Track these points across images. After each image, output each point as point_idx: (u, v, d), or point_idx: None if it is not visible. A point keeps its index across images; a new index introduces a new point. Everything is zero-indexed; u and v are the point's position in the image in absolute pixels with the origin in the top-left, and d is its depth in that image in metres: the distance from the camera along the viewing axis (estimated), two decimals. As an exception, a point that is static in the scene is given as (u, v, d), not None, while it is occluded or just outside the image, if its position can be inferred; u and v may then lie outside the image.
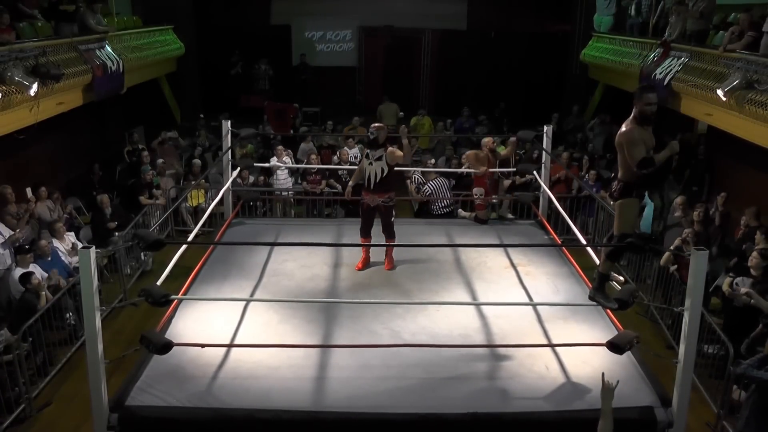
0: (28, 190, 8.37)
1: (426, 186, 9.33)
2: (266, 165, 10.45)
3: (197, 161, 11.05)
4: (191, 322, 5.54)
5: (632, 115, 4.63)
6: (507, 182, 8.24)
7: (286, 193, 10.63)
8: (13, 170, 8.92)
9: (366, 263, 6.70)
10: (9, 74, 6.85)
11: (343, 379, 4.79)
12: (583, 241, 6.89)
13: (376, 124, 6.62)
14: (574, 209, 9.75)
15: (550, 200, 7.97)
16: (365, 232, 6.70)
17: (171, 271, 5.19)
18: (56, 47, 8.29)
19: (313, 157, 10.74)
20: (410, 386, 4.72)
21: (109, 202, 9.06)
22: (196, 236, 7.14)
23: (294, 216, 10.44)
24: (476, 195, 8.13)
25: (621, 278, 5.27)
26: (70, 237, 8.06)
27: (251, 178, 10.38)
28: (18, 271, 6.84)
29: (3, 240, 7.25)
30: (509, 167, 8.70)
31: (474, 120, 13.48)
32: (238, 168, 8.43)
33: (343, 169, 10.21)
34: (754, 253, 6.66)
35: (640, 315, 7.76)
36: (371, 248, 6.70)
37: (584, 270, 6.50)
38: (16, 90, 7.00)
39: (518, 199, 8.59)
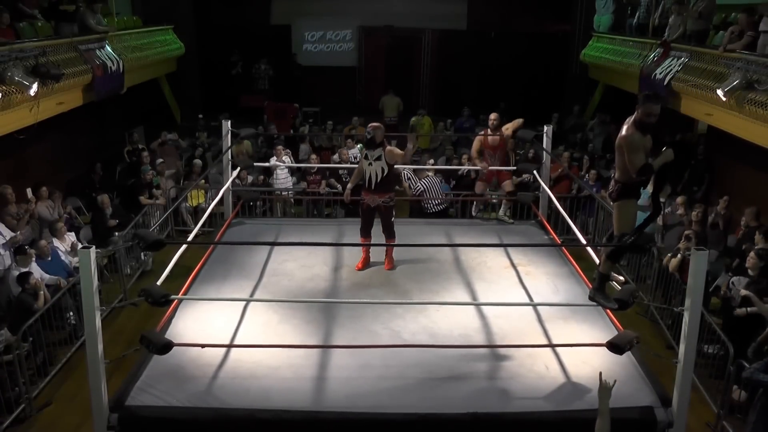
0: (29, 191, 8.36)
1: (418, 184, 9.35)
2: (266, 165, 10.46)
3: (197, 161, 11.05)
4: (191, 322, 5.54)
5: (633, 118, 4.54)
6: (506, 183, 8.19)
7: (286, 192, 10.63)
8: (13, 170, 8.92)
9: (366, 263, 6.70)
10: (9, 74, 6.85)
11: (343, 379, 4.78)
12: (584, 241, 6.90)
13: (374, 124, 6.56)
14: (574, 209, 9.76)
15: (550, 200, 7.97)
16: (365, 232, 6.70)
17: (171, 271, 5.18)
18: (56, 47, 8.29)
19: (313, 156, 10.74)
20: (410, 386, 4.72)
21: (109, 202, 9.06)
22: (196, 236, 7.14)
23: (294, 216, 10.45)
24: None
25: (621, 278, 5.27)
26: (70, 237, 8.06)
27: (250, 178, 10.38)
28: (17, 271, 6.83)
29: (4, 241, 7.25)
30: (509, 165, 8.70)
31: (474, 120, 13.48)
32: (238, 168, 8.43)
33: (343, 169, 10.21)
34: (752, 254, 6.67)
35: (640, 315, 7.76)
36: (371, 248, 6.70)
37: (584, 270, 6.50)
38: (16, 90, 7.00)
39: (518, 199, 8.59)
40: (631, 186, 4.64)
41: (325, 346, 5.20)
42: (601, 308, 5.65)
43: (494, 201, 9.55)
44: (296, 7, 15.70)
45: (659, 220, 8.85)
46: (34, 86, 7.13)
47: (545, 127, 8.08)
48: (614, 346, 4.47)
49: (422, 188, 9.51)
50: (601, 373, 3.63)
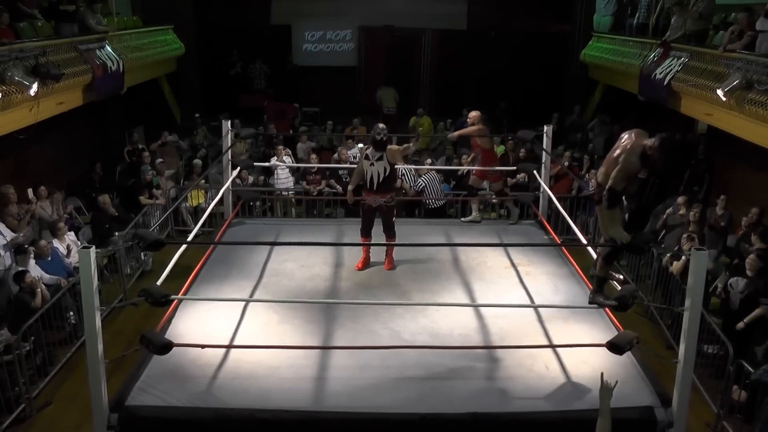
0: (30, 191, 8.36)
1: (419, 180, 9.38)
2: (266, 165, 10.46)
3: (197, 161, 11.05)
4: (191, 322, 5.54)
5: (644, 148, 4.48)
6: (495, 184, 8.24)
7: (286, 192, 10.63)
8: (13, 170, 8.92)
9: (366, 263, 6.69)
10: (9, 74, 6.85)
11: (343, 379, 4.78)
12: (584, 241, 6.89)
13: (383, 126, 6.52)
14: (574, 209, 9.76)
15: (550, 200, 7.97)
16: (366, 233, 6.70)
17: (171, 271, 5.18)
18: (56, 47, 8.30)
19: (313, 156, 10.74)
20: (410, 386, 4.72)
21: (110, 202, 9.06)
22: (196, 236, 7.14)
23: (294, 216, 10.45)
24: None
25: (620, 277, 5.28)
26: (71, 237, 8.06)
27: (250, 179, 10.38)
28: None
29: (5, 242, 7.25)
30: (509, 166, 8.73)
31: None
32: (238, 168, 8.43)
33: (343, 169, 10.21)
34: (752, 255, 6.66)
35: (640, 315, 7.76)
36: (371, 248, 6.70)
37: (584, 270, 6.49)
38: (16, 90, 7.00)
39: (518, 199, 8.59)
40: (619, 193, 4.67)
41: (325, 347, 5.20)
42: (601, 308, 5.66)
43: (494, 201, 9.57)
44: (296, 7, 15.70)
45: (659, 221, 8.86)
46: (34, 86, 7.13)
47: (545, 127, 8.08)
48: (614, 346, 4.46)
49: (423, 184, 9.55)
50: (602, 374, 3.63)
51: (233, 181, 8.24)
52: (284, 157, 10.45)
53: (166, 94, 13.77)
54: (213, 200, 8.66)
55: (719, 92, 7.58)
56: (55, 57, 8.05)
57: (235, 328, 5.46)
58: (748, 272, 6.57)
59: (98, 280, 4.36)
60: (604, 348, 4.53)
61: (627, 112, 12.14)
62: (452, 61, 15.74)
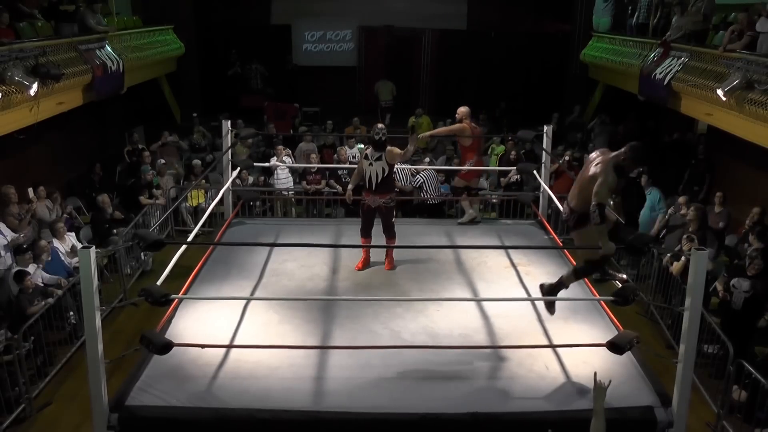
0: (30, 191, 8.36)
1: (418, 176, 9.41)
2: (266, 165, 10.45)
3: (197, 161, 11.05)
4: (191, 322, 5.54)
5: (615, 161, 4.65)
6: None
7: (287, 192, 10.63)
8: (13, 170, 8.91)
9: (366, 263, 6.69)
10: (9, 74, 6.85)
11: (343, 379, 4.78)
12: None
13: (383, 126, 6.52)
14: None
15: (550, 200, 7.97)
16: (365, 233, 6.70)
17: (171, 271, 5.18)
18: (56, 47, 8.29)
19: (313, 156, 10.74)
20: (410, 386, 4.72)
21: (110, 202, 9.06)
22: (196, 236, 7.13)
23: (294, 216, 10.45)
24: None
25: (623, 276, 5.28)
26: (70, 237, 8.06)
27: (250, 179, 10.38)
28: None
29: (6, 242, 7.24)
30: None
31: (474, 120, 13.45)
32: (238, 168, 8.43)
33: (343, 169, 10.21)
34: (755, 255, 6.64)
35: (640, 315, 7.76)
36: (371, 248, 6.70)
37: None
38: (16, 90, 7.00)
39: (518, 199, 8.58)
40: (587, 214, 4.70)
41: (325, 347, 5.20)
42: (601, 308, 5.67)
43: (494, 201, 9.57)
44: (296, 7, 15.68)
45: (659, 221, 8.85)
46: (34, 86, 7.13)
47: (545, 127, 8.08)
48: (614, 346, 4.47)
49: (421, 180, 9.58)
50: (596, 374, 3.64)
51: (233, 181, 8.24)
52: (284, 157, 10.45)
53: (166, 94, 13.77)
54: (213, 200, 8.66)
55: (719, 92, 7.57)
56: (55, 57, 8.05)
57: (235, 328, 5.47)
58: (748, 272, 6.56)
59: (98, 280, 4.36)
60: (604, 348, 4.54)
61: (627, 112, 12.14)
62: (452, 61, 15.72)
